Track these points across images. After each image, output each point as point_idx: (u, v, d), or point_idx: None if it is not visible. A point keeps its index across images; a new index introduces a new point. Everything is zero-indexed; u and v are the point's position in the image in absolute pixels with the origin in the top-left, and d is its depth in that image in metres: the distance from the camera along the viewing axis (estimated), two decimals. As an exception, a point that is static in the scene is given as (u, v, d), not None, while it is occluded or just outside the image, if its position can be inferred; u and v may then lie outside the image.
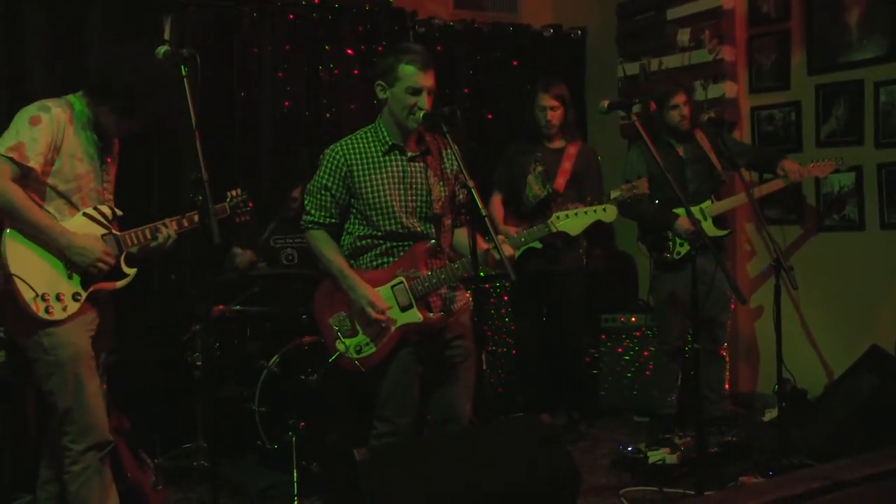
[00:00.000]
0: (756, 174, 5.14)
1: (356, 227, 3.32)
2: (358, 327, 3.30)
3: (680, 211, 4.60)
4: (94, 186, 3.17)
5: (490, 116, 6.15)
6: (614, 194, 3.89)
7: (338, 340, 3.30)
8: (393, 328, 3.25)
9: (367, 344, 3.28)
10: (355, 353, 3.28)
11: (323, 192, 3.30)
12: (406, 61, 3.20)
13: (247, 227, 4.85)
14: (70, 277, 3.06)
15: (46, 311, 3.00)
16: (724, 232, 4.81)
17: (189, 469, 4.40)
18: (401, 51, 3.26)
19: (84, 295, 3.08)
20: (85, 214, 3.13)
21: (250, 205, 3.67)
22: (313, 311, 3.44)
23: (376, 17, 5.64)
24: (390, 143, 3.28)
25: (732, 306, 4.90)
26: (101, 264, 3.07)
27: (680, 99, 4.72)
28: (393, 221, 3.26)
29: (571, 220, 3.47)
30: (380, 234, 3.27)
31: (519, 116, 5.42)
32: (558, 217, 3.46)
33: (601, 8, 6.31)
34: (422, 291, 3.26)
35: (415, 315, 3.26)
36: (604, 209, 3.49)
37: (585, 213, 3.48)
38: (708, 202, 4.74)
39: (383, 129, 3.31)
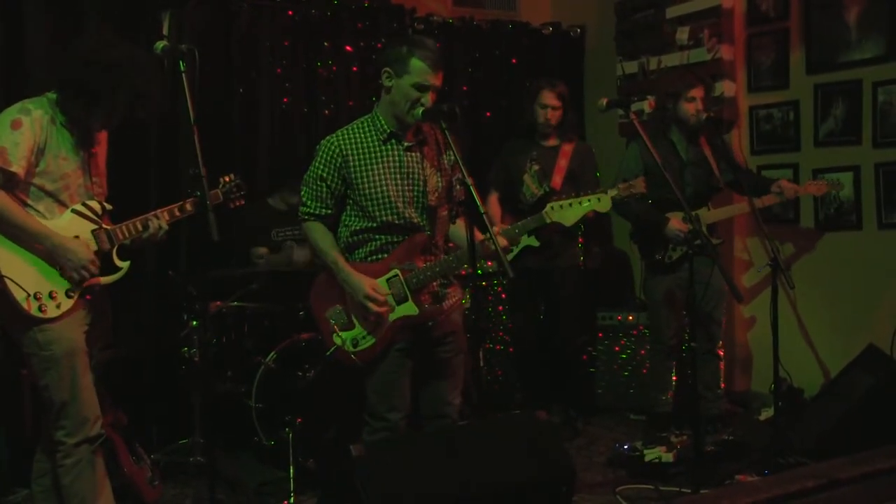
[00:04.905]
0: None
1: (352, 219, 3.30)
2: (354, 320, 3.28)
3: (679, 214, 4.57)
4: (83, 182, 3.15)
5: (488, 114, 6.15)
6: (612, 193, 3.86)
7: (335, 334, 3.29)
8: (389, 321, 3.24)
9: (364, 337, 3.27)
10: (352, 347, 3.27)
11: (318, 182, 3.28)
12: (419, 56, 3.15)
13: (260, 223, 4.85)
14: (62, 274, 3.05)
15: (40, 309, 2.99)
16: (716, 242, 4.78)
17: (185, 465, 4.40)
18: (415, 44, 3.21)
19: (78, 291, 3.07)
20: (74, 211, 3.11)
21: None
22: (310, 304, 3.43)
23: (375, 13, 5.64)
24: (388, 131, 3.27)
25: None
26: (84, 272, 3.05)
27: (698, 92, 4.60)
28: (390, 212, 3.24)
29: (566, 211, 3.40)
30: (375, 225, 3.25)
31: (517, 114, 5.42)
32: (552, 207, 3.40)
33: (600, 6, 6.31)
34: (417, 284, 3.24)
35: (411, 307, 3.25)
36: (598, 199, 3.42)
37: (580, 203, 3.41)
38: (704, 209, 4.69)
39: (381, 119, 3.28)
